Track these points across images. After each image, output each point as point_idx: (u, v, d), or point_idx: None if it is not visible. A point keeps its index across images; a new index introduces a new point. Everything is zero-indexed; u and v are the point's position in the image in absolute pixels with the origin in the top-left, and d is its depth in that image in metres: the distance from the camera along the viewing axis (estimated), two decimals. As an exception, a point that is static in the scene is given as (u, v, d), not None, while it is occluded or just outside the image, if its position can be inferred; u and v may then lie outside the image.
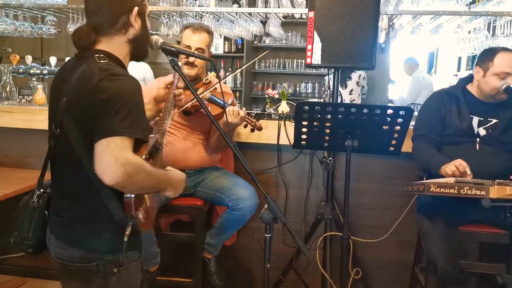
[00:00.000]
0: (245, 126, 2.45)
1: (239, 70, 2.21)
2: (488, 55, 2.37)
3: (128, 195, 1.40)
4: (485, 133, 2.36)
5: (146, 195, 1.48)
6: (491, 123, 2.36)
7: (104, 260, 1.47)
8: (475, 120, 2.37)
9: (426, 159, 2.36)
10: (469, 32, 3.44)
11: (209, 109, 2.20)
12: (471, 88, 2.46)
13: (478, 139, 2.35)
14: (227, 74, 2.21)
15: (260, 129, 2.47)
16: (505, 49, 2.38)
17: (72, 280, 1.53)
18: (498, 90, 2.31)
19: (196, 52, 2.48)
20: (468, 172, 2.11)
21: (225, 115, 2.29)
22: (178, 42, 2.60)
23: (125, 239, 1.41)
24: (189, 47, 2.51)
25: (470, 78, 2.48)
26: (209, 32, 2.59)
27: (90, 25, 1.52)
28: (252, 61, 2.36)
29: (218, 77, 2.23)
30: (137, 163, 1.35)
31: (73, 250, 1.50)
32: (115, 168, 1.30)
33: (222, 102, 2.36)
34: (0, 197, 2.41)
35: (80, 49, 1.52)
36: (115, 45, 1.53)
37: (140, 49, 1.60)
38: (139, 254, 1.57)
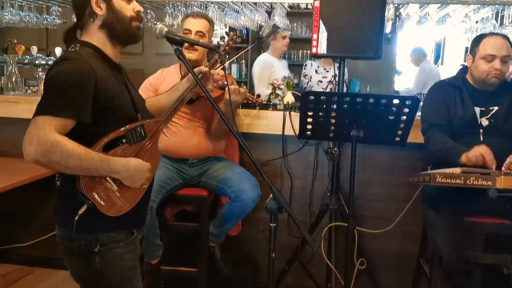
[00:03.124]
0: (247, 103, 2.46)
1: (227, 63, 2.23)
2: (476, 41, 2.38)
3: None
4: (487, 123, 2.34)
5: (109, 181, 1.50)
6: (492, 112, 2.34)
7: (85, 239, 1.53)
8: (477, 110, 2.36)
9: (444, 149, 2.27)
10: (477, 21, 3.41)
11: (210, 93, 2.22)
12: (469, 78, 2.45)
13: (481, 130, 2.33)
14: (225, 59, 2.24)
15: (261, 104, 2.48)
16: (492, 34, 2.38)
17: (65, 257, 1.61)
18: (487, 74, 2.31)
19: (196, 36, 2.52)
20: (492, 158, 2.06)
21: (227, 94, 2.28)
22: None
23: (76, 218, 1.45)
24: (189, 31, 2.53)
25: (467, 69, 2.46)
26: (209, 20, 2.63)
27: (74, 23, 1.64)
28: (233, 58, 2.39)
29: (218, 63, 2.23)
30: (51, 142, 1.37)
31: (60, 229, 1.59)
32: (28, 146, 1.37)
33: (227, 84, 2.36)
34: (6, 187, 2.42)
35: (66, 44, 1.62)
36: (91, 35, 1.60)
37: (115, 32, 1.60)
38: (125, 236, 1.61)
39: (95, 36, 1.59)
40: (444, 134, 2.33)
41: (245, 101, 2.47)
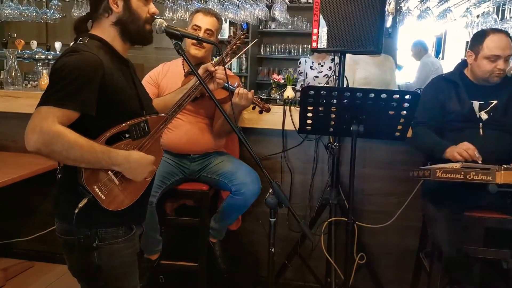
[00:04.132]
0: (253, 108, 2.45)
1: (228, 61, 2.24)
2: (479, 38, 2.36)
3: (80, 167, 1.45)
4: (486, 117, 2.33)
5: (111, 175, 1.50)
6: (491, 105, 2.34)
7: (83, 234, 1.53)
8: (476, 104, 2.35)
9: (428, 145, 2.35)
10: (478, 16, 3.40)
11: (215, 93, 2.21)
12: (467, 72, 2.45)
13: (481, 124, 2.33)
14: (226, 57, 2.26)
15: (268, 110, 2.48)
16: (495, 31, 2.35)
17: (63, 252, 1.62)
18: (490, 73, 2.31)
19: (204, 33, 2.50)
20: (477, 155, 2.09)
21: (231, 98, 2.28)
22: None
23: (76, 210, 1.45)
24: (199, 27, 2.51)
25: (466, 62, 2.46)
26: (219, 19, 2.60)
27: (87, 13, 1.63)
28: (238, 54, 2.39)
29: (223, 64, 2.22)
30: (53, 133, 1.36)
31: (59, 222, 1.59)
32: (31, 135, 1.37)
33: (228, 86, 2.35)
34: (6, 181, 2.42)
35: (76, 34, 1.62)
36: (102, 29, 1.59)
37: (128, 31, 1.60)
38: (124, 231, 1.61)
39: (106, 31, 1.59)
40: (429, 130, 2.36)
41: (251, 106, 2.45)
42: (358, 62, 3.91)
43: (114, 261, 1.59)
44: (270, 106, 2.76)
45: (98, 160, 1.45)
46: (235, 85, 2.40)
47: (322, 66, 4.32)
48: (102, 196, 1.49)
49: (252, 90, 2.41)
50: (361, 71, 3.89)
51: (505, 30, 2.46)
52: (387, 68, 4.00)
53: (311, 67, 4.35)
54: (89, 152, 1.42)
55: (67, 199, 1.54)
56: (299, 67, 4.45)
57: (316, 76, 4.31)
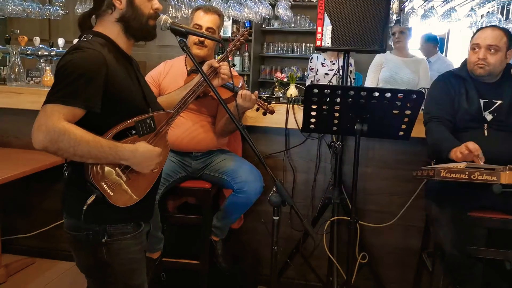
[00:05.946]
0: (257, 110, 2.44)
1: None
2: (473, 33, 2.39)
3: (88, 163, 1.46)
4: (491, 117, 2.31)
5: (118, 171, 1.50)
6: (496, 105, 2.32)
7: (92, 230, 1.53)
8: (481, 102, 2.33)
9: (438, 142, 2.28)
10: (482, 16, 3.38)
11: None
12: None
13: (485, 125, 2.31)
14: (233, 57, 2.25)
15: (272, 112, 2.47)
16: (489, 26, 2.38)
17: (71, 248, 1.62)
18: (473, 64, 2.32)
19: (206, 32, 2.47)
20: (480, 155, 2.06)
21: (235, 100, 2.27)
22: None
23: (84, 207, 1.45)
24: (200, 26, 2.49)
25: None
26: (220, 15, 2.58)
27: (91, 9, 1.63)
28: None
29: (227, 61, 2.21)
30: (59, 130, 1.37)
31: (68, 218, 1.59)
32: (37, 133, 1.37)
33: (232, 86, 2.34)
34: (9, 178, 2.43)
35: (80, 30, 1.63)
36: (105, 25, 1.60)
37: (131, 27, 1.60)
38: (133, 228, 1.61)
39: (110, 28, 1.59)
40: (444, 127, 2.31)
41: (255, 108, 2.44)
42: (385, 62, 3.90)
43: (122, 257, 1.59)
44: (273, 104, 2.76)
45: (105, 155, 1.45)
46: (239, 86, 2.39)
47: (334, 64, 4.27)
48: (110, 193, 1.49)
49: (256, 92, 2.39)
50: (386, 70, 3.89)
51: (506, 28, 2.44)
52: (418, 69, 3.98)
53: (322, 64, 4.31)
54: (96, 147, 1.42)
55: (75, 196, 1.54)
56: (311, 62, 4.40)
57: (327, 74, 4.27)
